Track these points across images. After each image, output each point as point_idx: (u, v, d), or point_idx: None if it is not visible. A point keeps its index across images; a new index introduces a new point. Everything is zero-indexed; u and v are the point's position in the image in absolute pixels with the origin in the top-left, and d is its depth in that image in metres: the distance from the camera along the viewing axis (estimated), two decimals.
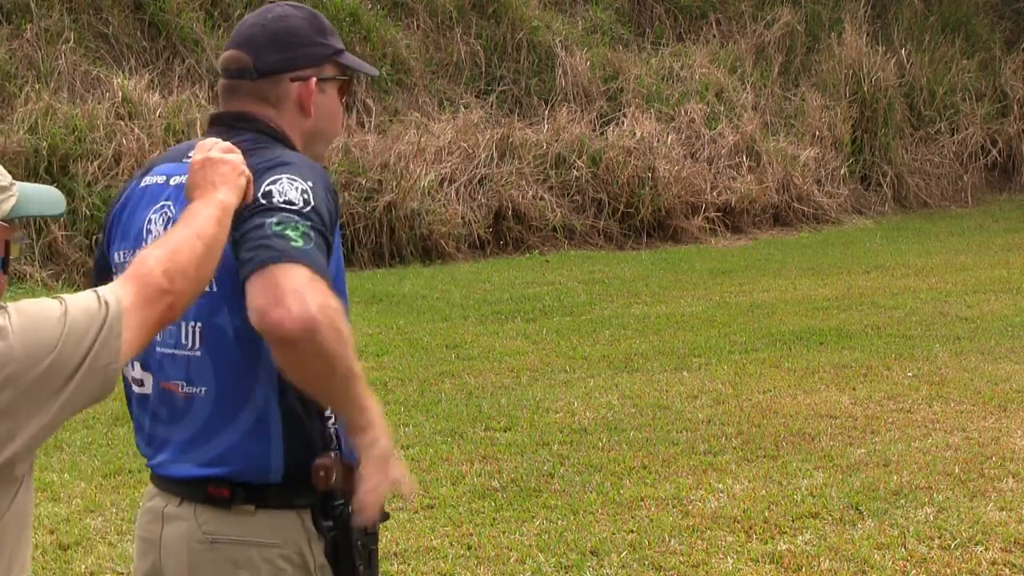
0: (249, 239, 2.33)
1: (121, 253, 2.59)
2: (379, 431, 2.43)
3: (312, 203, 2.38)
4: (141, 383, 2.58)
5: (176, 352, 2.50)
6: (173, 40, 14.36)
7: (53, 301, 2.08)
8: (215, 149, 2.39)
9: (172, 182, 2.55)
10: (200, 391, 2.48)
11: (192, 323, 2.47)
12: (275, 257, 2.27)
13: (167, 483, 2.56)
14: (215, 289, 2.42)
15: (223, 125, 2.59)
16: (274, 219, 2.33)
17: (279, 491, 2.50)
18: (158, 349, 2.52)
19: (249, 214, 2.36)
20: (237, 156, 2.39)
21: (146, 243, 2.51)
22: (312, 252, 2.30)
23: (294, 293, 2.24)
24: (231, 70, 2.60)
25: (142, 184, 2.61)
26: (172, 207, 2.51)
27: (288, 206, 2.36)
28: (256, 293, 2.26)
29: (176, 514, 2.53)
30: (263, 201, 2.37)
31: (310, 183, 2.41)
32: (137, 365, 2.57)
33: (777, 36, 18.55)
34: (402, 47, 15.73)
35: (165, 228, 2.49)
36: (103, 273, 2.65)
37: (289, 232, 2.31)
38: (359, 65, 2.69)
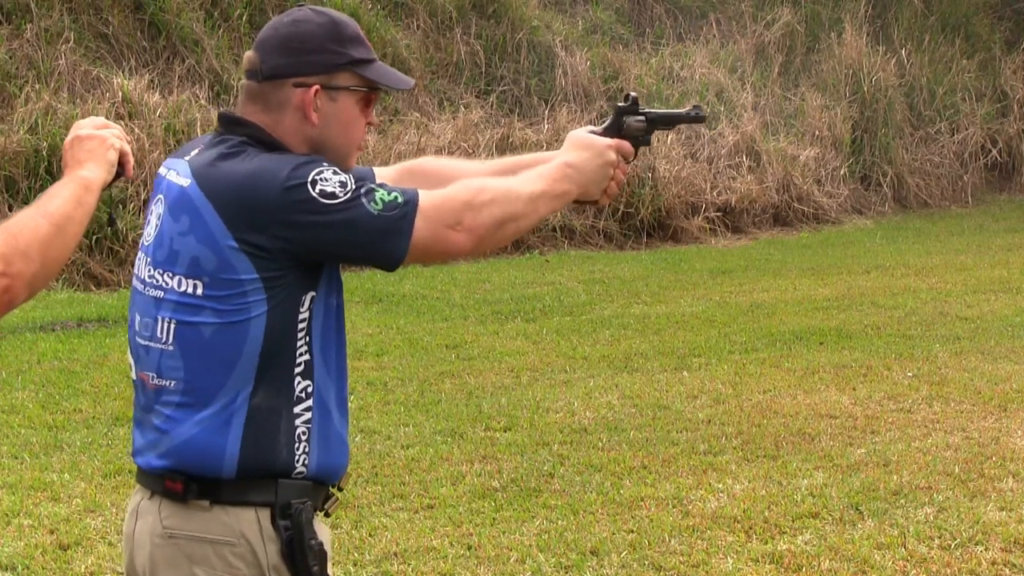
0: (370, 238, 2.46)
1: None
2: (576, 173, 2.64)
3: (344, 173, 2.50)
4: (131, 368, 2.65)
5: (151, 344, 2.56)
6: (173, 40, 14.36)
7: None
8: (87, 126, 2.36)
9: (167, 176, 2.60)
10: (169, 384, 2.53)
11: (169, 319, 2.52)
12: (408, 227, 2.46)
13: (141, 475, 2.63)
14: (199, 293, 2.48)
15: (222, 124, 2.63)
16: (367, 206, 2.45)
17: (234, 487, 2.52)
18: (137, 339, 2.59)
19: (338, 225, 2.45)
20: (109, 131, 2.36)
21: (145, 233, 2.60)
22: (403, 191, 2.49)
23: (450, 235, 2.49)
24: (246, 71, 2.63)
25: (158, 175, 2.69)
26: (162, 201, 2.57)
27: (348, 190, 2.47)
28: (429, 259, 2.52)
29: (146, 508, 2.59)
30: (329, 201, 2.45)
31: (324, 163, 2.50)
32: (129, 351, 2.65)
33: (777, 36, 18.55)
34: (402, 47, 15.73)
35: (156, 222, 2.57)
36: None
37: (387, 199, 2.47)
38: (382, 77, 2.60)
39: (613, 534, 5.43)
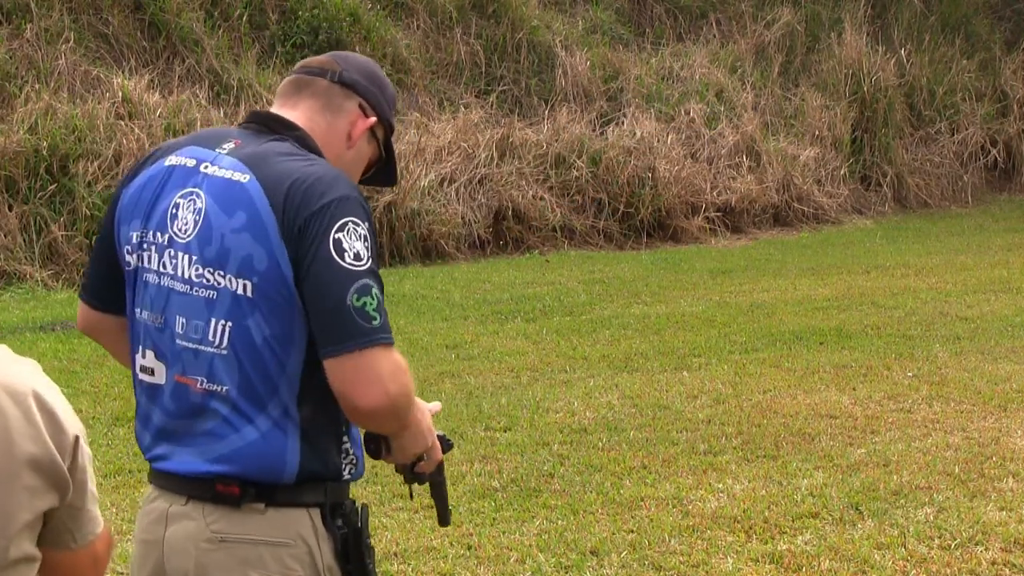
0: (327, 311, 2.42)
1: (139, 233, 2.58)
2: (415, 423, 2.63)
3: (373, 253, 2.49)
4: (152, 372, 2.57)
5: (200, 348, 2.49)
6: (173, 40, 14.36)
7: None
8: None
9: (204, 169, 2.54)
10: (221, 389, 2.48)
11: (223, 322, 2.47)
12: (359, 344, 2.42)
13: (170, 481, 2.55)
14: (250, 294, 2.45)
15: (260, 123, 2.62)
16: (352, 289, 2.43)
17: (289, 489, 2.51)
18: (178, 342, 2.51)
19: (323, 267, 2.41)
20: None
21: (170, 227, 2.52)
22: (386, 325, 2.47)
23: (379, 383, 2.43)
24: (312, 68, 2.70)
25: (167, 163, 2.59)
26: (201, 195, 2.51)
27: (357, 264, 2.44)
28: (342, 379, 2.42)
29: (182, 513, 2.52)
30: (335, 255, 2.43)
31: (366, 224, 2.48)
32: (150, 353, 2.56)
33: (777, 36, 18.55)
34: (402, 47, 15.73)
35: (194, 218, 2.50)
36: (105, 251, 2.65)
37: (368, 309, 2.44)
38: (395, 157, 2.82)
39: (613, 534, 5.42)
